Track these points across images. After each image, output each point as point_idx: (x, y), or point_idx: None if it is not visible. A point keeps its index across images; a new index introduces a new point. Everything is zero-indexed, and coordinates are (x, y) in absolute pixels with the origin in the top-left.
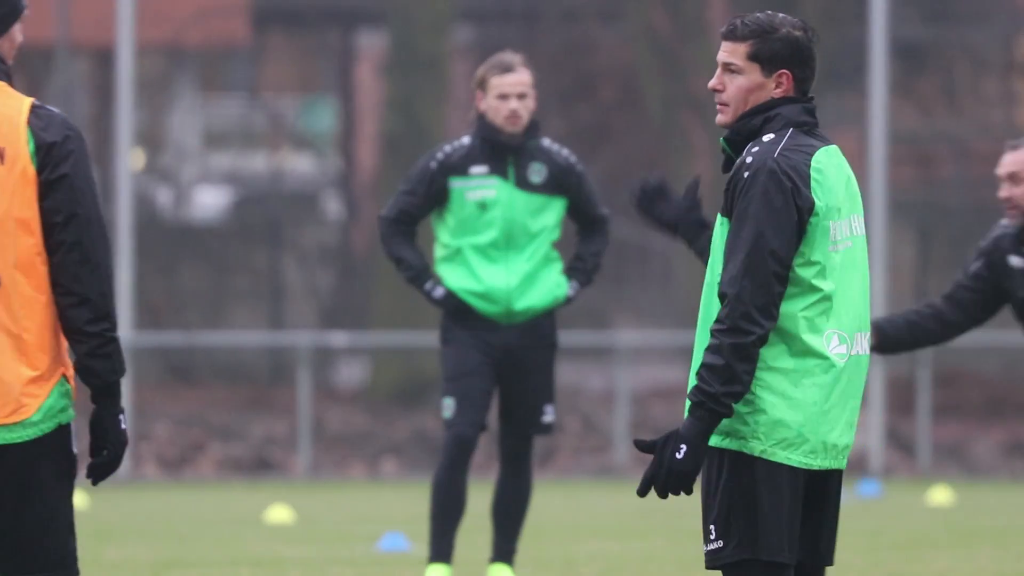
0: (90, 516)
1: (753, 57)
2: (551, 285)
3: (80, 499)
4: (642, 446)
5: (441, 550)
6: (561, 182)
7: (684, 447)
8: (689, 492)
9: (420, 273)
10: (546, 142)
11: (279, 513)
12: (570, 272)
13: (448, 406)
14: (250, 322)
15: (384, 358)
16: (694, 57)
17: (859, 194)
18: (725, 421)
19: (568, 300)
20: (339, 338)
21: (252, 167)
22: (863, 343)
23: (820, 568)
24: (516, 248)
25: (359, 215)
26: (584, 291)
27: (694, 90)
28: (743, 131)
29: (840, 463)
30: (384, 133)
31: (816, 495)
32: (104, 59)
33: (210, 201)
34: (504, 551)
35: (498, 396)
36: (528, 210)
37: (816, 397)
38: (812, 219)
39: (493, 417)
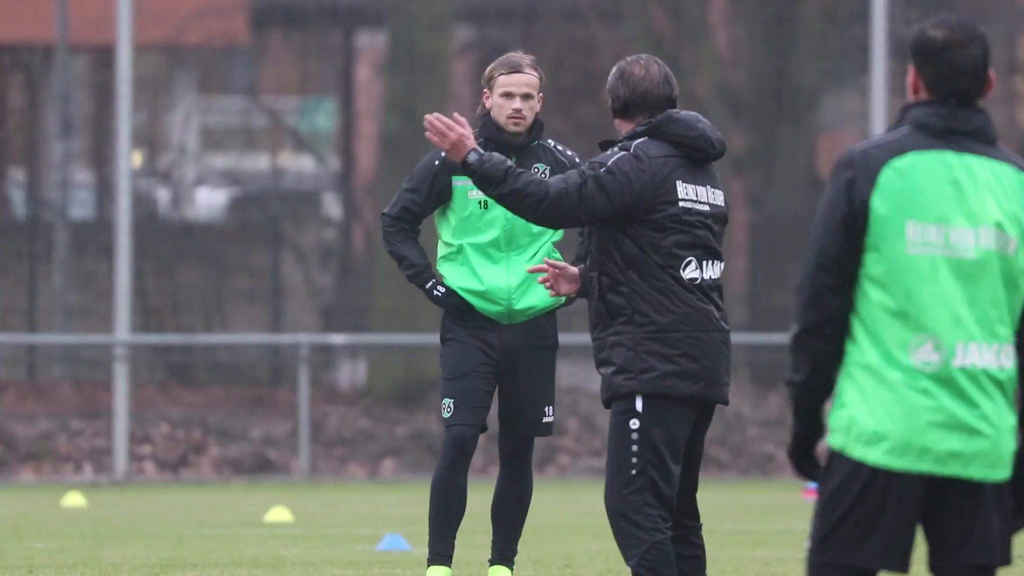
0: (89, 516)
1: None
2: None
3: (79, 499)
4: None
5: (441, 551)
6: None
7: (791, 436)
8: (808, 470)
9: (421, 272)
10: (550, 142)
11: (279, 514)
12: None
13: (447, 406)
14: (250, 322)
15: (384, 359)
16: (694, 57)
17: (999, 207)
18: (832, 416)
19: (569, 301)
20: (339, 338)
21: (252, 167)
22: (979, 355)
23: (985, 570)
24: (517, 248)
25: (359, 215)
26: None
27: (695, 90)
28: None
29: (952, 469)
30: (384, 133)
31: (944, 502)
32: (103, 59)
33: (209, 201)
34: (504, 552)
35: (498, 397)
36: None
37: (893, 397)
38: (871, 216)
39: (493, 418)
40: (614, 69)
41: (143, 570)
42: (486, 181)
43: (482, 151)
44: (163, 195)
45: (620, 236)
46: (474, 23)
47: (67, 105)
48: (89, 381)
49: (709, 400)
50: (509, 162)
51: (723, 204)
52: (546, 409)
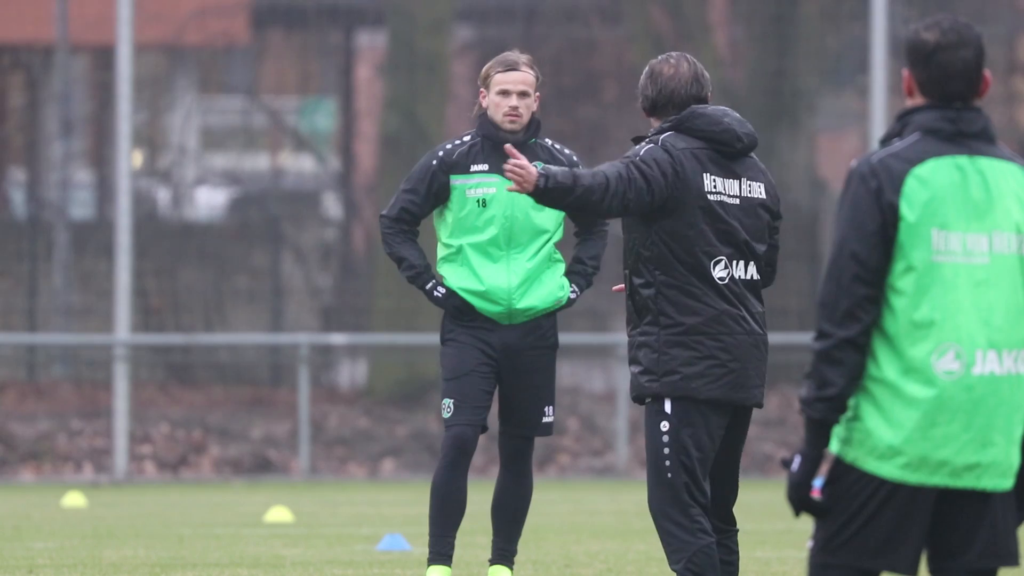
0: (88, 516)
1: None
2: (554, 287)
3: (78, 499)
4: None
5: (441, 551)
6: None
7: (797, 458)
8: (808, 506)
9: (421, 273)
10: (548, 141)
11: (279, 514)
12: (569, 275)
13: (447, 406)
14: (250, 322)
15: (384, 358)
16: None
17: (1015, 211)
18: (841, 428)
19: (569, 303)
20: (339, 338)
21: (252, 167)
22: (1003, 362)
23: (989, 574)
24: (517, 247)
25: (359, 215)
26: (583, 294)
27: None
28: (890, 136)
29: (966, 481)
30: (384, 133)
31: (952, 508)
32: (103, 59)
33: (209, 201)
34: (504, 552)
35: (498, 397)
36: (529, 208)
37: (912, 412)
38: (901, 224)
39: (493, 418)
40: (646, 68)
41: (143, 570)
42: (560, 191)
43: (545, 170)
44: (163, 195)
45: (649, 234)
46: (474, 23)
47: (67, 105)
48: (89, 381)
49: (737, 403)
50: (567, 168)
51: (764, 196)
52: (546, 409)
